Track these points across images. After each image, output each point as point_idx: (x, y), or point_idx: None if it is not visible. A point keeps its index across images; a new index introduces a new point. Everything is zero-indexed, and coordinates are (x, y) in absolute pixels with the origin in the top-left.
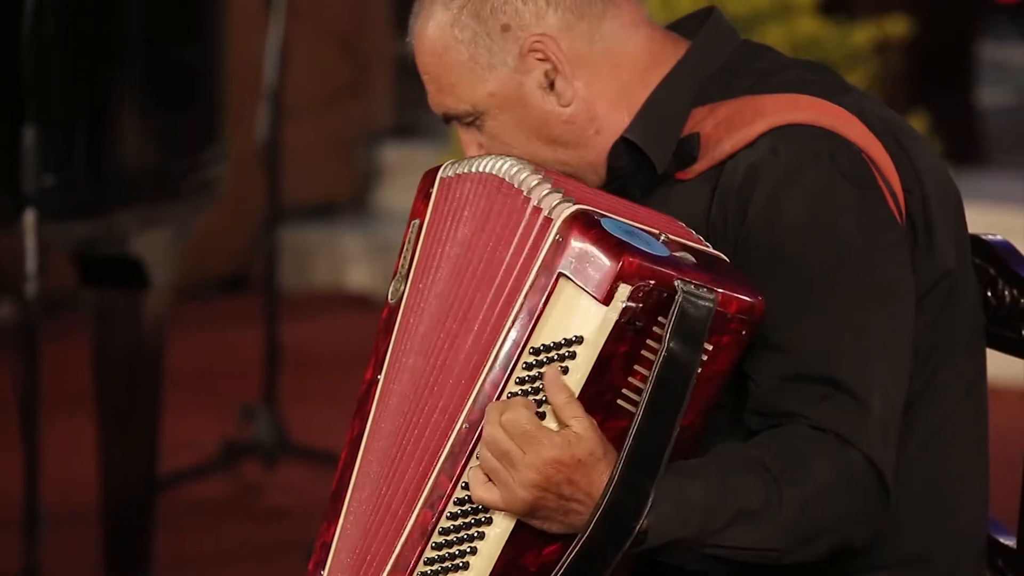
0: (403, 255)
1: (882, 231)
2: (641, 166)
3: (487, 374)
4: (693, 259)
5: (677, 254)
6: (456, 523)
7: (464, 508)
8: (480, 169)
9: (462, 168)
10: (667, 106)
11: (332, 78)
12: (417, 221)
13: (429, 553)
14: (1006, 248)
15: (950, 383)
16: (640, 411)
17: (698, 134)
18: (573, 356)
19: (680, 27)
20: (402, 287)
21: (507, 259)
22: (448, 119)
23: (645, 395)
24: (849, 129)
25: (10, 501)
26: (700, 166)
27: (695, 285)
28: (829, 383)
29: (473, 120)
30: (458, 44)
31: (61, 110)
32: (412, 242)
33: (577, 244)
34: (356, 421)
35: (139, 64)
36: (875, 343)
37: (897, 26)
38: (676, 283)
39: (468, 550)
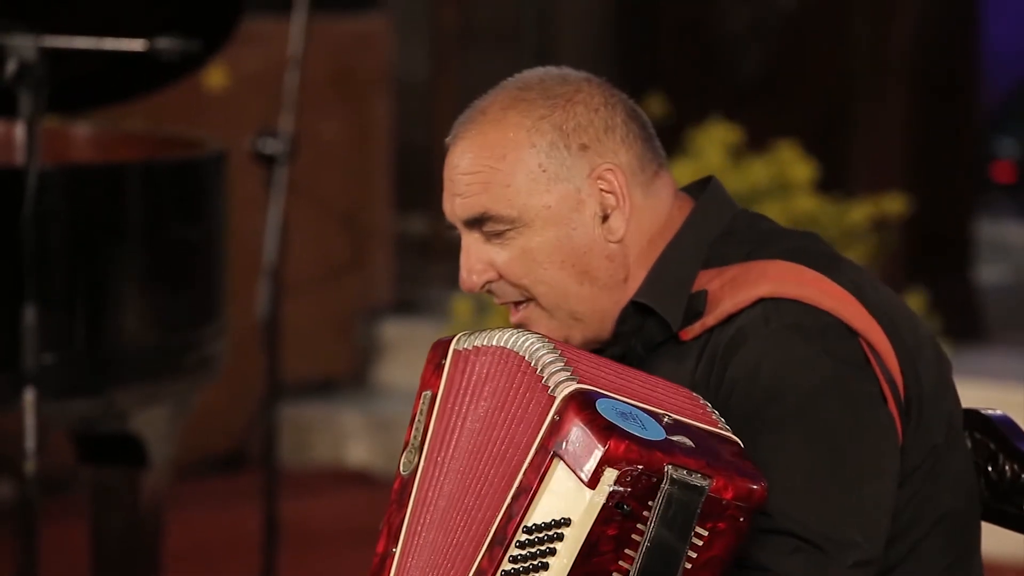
0: (415, 426)
1: (865, 407)
2: (645, 324)
3: (485, 551)
4: (692, 443)
5: (674, 438)
6: None
7: None
8: (499, 343)
9: (479, 340)
10: (679, 267)
11: (331, 255)
12: (429, 392)
13: None
14: (1006, 423)
15: (934, 552)
16: None
17: (706, 291)
18: (561, 538)
19: (685, 192)
20: (415, 458)
21: (519, 438)
22: (471, 224)
23: None
24: (848, 312)
25: None
26: (701, 325)
27: (687, 471)
28: (799, 538)
29: (505, 231)
30: (531, 149)
31: (61, 289)
32: (425, 414)
33: (570, 424)
34: None
35: (140, 243)
36: (850, 504)
37: (894, 204)
38: (666, 468)
39: None
